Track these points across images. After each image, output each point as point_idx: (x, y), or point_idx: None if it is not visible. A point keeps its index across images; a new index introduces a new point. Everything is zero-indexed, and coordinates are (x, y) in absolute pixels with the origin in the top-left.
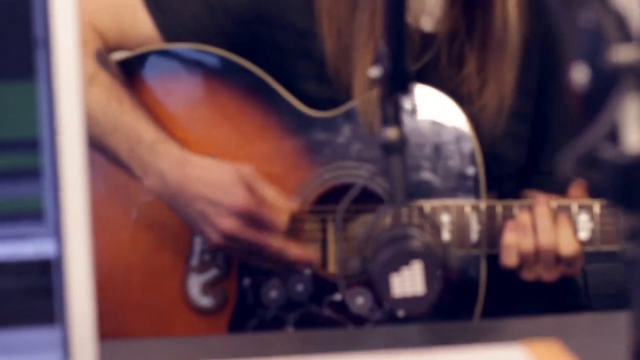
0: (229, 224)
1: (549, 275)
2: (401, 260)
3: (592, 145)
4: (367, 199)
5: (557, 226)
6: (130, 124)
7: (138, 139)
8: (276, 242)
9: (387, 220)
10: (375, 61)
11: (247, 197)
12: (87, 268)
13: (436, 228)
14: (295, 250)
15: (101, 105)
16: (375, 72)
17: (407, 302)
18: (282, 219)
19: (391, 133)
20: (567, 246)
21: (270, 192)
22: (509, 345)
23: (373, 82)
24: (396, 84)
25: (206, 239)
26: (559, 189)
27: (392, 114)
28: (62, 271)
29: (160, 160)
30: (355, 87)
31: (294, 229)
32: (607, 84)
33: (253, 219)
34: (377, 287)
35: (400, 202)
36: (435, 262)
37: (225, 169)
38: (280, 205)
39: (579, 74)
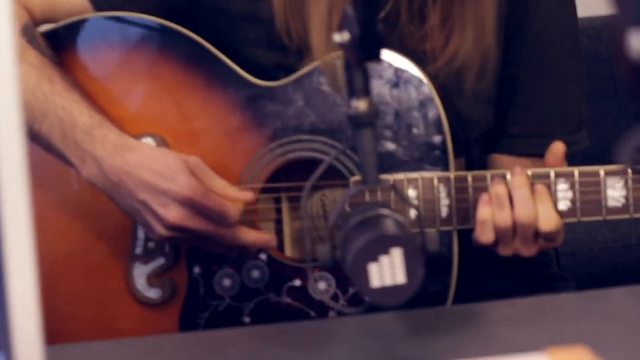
0: (175, 214)
1: (527, 250)
2: (379, 247)
3: None
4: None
5: (536, 198)
6: (64, 107)
7: (72, 124)
8: (228, 232)
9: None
10: (342, 25)
11: (193, 185)
12: (32, 283)
13: (412, 206)
14: (250, 236)
15: (31, 86)
16: (341, 37)
17: (388, 292)
18: (234, 211)
19: (361, 105)
20: (547, 220)
21: (219, 183)
22: (534, 355)
23: (336, 46)
24: (366, 52)
25: (150, 232)
26: (529, 153)
27: (361, 84)
28: (2, 289)
29: (97, 146)
30: (314, 48)
31: (246, 210)
32: None
33: (201, 209)
34: (353, 278)
35: (372, 180)
36: (416, 246)
37: (169, 156)
38: (232, 195)
39: (637, 42)
